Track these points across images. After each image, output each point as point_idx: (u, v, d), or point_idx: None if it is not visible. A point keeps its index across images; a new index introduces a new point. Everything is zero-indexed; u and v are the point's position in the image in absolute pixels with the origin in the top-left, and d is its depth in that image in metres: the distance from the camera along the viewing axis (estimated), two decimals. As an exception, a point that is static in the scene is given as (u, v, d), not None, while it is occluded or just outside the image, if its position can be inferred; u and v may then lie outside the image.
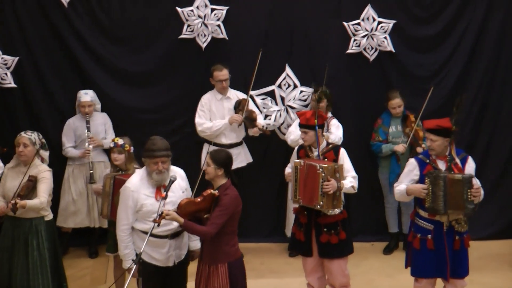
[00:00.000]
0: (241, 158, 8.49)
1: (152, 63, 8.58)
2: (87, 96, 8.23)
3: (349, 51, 8.69)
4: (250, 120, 8.23)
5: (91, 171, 8.01)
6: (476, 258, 7.56)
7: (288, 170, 7.00)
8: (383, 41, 8.66)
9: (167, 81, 8.63)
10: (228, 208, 5.92)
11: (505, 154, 9.08)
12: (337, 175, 6.59)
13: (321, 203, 6.55)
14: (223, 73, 8.19)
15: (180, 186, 6.18)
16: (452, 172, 6.35)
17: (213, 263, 6.03)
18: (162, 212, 5.80)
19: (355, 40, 8.68)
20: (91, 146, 8.05)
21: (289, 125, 8.63)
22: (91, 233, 8.58)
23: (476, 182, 6.28)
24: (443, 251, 6.44)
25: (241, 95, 8.35)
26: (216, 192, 5.96)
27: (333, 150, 6.84)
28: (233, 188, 6.05)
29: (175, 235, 6.18)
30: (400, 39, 8.72)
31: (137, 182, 6.08)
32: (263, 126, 8.23)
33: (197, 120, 8.30)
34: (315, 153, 6.81)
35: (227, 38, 8.58)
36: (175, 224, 6.07)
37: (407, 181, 6.55)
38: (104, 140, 8.25)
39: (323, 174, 6.49)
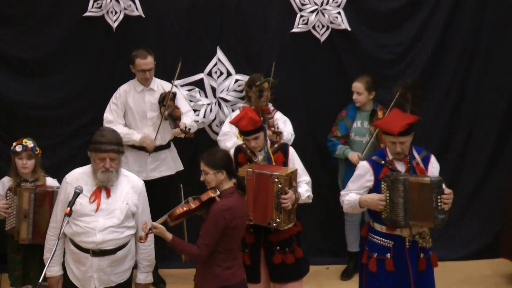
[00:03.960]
0: (168, 164, 7.67)
1: (50, 48, 7.81)
2: None
3: (294, 30, 7.99)
4: (173, 119, 7.42)
5: None
6: (453, 282, 7.08)
7: None
8: (336, 17, 7.95)
9: (70, 69, 7.87)
10: (215, 224, 5.47)
11: (486, 156, 8.42)
12: (293, 184, 6.18)
13: (277, 220, 6.10)
14: (146, 62, 7.39)
15: (126, 196, 5.65)
16: (414, 174, 5.95)
17: (201, 286, 5.69)
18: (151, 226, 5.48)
19: (301, 16, 7.97)
20: None
21: (221, 122, 7.89)
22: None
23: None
24: (406, 273, 5.99)
25: (168, 87, 7.56)
26: (217, 195, 5.56)
27: (281, 150, 6.42)
28: (234, 197, 5.59)
29: (100, 253, 5.56)
30: (357, 15, 8.05)
31: (77, 175, 5.69)
32: (185, 127, 7.42)
33: (106, 115, 7.54)
34: (260, 157, 6.35)
35: (143, 16, 7.81)
36: (104, 238, 5.51)
37: (358, 188, 6.10)
38: None
39: (279, 185, 6.05)
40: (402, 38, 8.12)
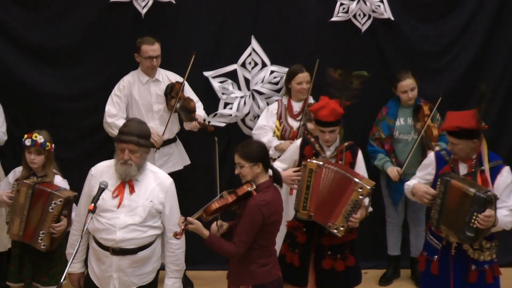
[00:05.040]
0: (175, 159, 7.58)
1: (74, 36, 7.69)
2: None
3: (334, 18, 7.84)
4: (186, 111, 7.28)
5: None
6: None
7: (279, 167, 6.23)
8: (379, 5, 7.80)
9: (95, 59, 7.76)
10: (252, 220, 5.41)
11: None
12: (370, 198, 6.11)
13: (340, 228, 6.01)
14: (154, 48, 7.28)
15: (151, 193, 5.56)
16: (464, 180, 5.73)
17: (236, 284, 5.62)
18: (186, 220, 5.35)
19: (342, 4, 7.82)
20: None
21: (255, 116, 7.77)
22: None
23: (491, 209, 5.58)
24: (446, 281, 5.88)
25: (174, 78, 7.43)
26: (253, 189, 5.49)
27: (351, 150, 6.28)
28: (270, 191, 5.52)
29: (120, 252, 5.48)
30: (400, 4, 7.88)
31: (102, 168, 5.65)
32: (204, 120, 7.31)
33: (108, 108, 7.38)
34: (328, 153, 6.21)
35: (174, 2, 7.67)
36: (124, 236, 5.42)
37: (421, 177, 6.05)
38: None
39: (360, 196, 5.96)
40: (447, 29, 7.95)
